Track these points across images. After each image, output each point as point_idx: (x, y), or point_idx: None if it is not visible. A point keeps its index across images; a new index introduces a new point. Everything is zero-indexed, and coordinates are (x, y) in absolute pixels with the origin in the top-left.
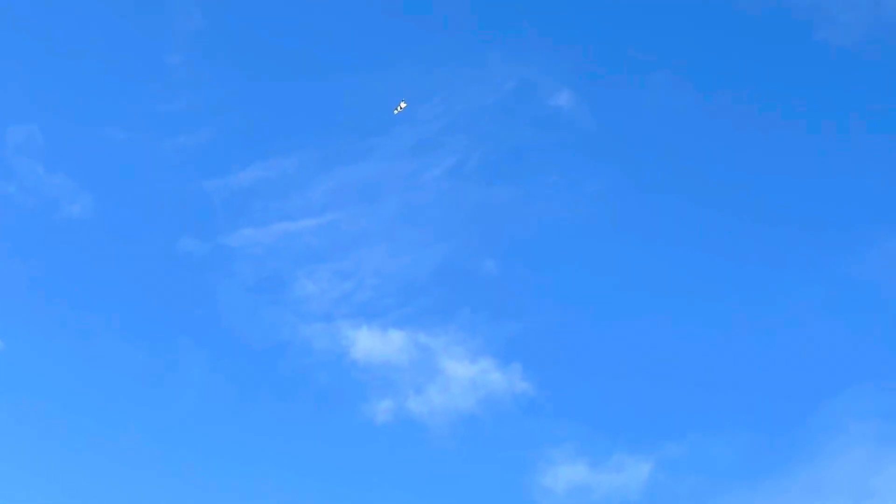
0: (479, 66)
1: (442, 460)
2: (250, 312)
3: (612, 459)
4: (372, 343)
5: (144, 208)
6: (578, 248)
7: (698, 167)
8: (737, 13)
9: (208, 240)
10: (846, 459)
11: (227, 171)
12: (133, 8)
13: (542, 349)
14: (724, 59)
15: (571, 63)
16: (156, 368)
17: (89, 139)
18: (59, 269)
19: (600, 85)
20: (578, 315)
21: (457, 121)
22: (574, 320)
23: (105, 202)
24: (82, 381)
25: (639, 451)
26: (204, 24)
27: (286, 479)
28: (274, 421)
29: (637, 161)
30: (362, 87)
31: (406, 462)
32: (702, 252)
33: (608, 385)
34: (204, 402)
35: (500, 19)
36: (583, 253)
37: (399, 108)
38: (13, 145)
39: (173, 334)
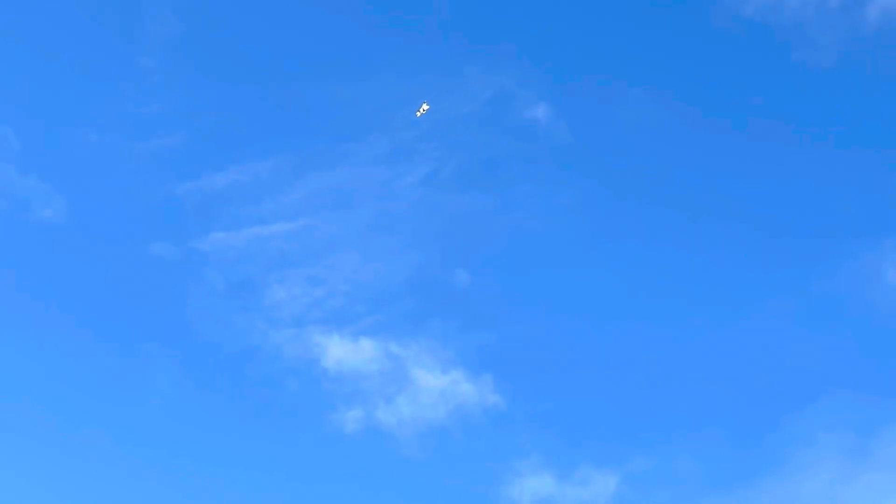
0: (456, 75)
1: (410, 470)
2: (221, 317)
3: (578, 472)
4: (343, 351)
5: (117, 211)
6: (551, 259)
7: (673, 180)
8: (716, 31)
9: (180, 243)
10: (817, 471)
11: (200, 175)
12: (108, 12)
13: (513, 361)
14: (702, 75)
15: (548, 75)
16: (125, 372)
17: (63, 141)
18: (31, 271)
19: (576, 97)
20: (550, 327)
21: (432, 129)
22: (545, 332)
23: (78, 205)
24: (51, 382)
25: (606, 464)
26: (179, 29)
27: (253, 485)
28: (242, 427)
29: (611, 173)
30: (338, 93)
31: (374, 471)
32: (674, 264)
33: (577, 397)
34: (172, 406)
35: (477, 31)
36: (555, 264)
37: (422, 111)
38: None
39: (143, 338)
